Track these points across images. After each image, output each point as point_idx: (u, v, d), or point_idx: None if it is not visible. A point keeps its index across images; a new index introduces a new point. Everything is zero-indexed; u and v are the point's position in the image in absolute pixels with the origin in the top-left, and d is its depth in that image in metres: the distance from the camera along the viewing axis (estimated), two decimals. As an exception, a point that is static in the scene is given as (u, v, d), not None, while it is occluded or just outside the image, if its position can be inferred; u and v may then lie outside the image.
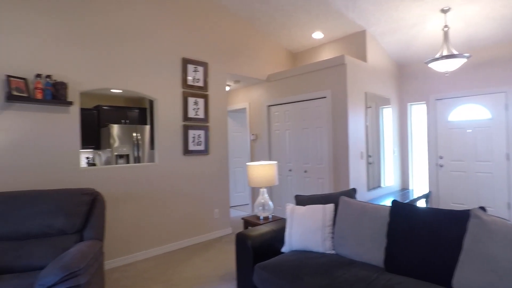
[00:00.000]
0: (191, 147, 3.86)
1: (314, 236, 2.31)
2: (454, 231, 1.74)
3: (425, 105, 5.01)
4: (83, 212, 2.36)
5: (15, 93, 2.54)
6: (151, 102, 5.69)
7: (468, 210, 1.76)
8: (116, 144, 5.28)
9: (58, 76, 2.87)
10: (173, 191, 3.71)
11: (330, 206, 2.42)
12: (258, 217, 2.98)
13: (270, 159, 5.04)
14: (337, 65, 3.98)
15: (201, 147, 3.96)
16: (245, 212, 5.58)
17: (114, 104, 6.09)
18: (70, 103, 2.83)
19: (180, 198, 3.78)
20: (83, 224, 2.36)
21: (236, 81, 5.06)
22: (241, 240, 2.33)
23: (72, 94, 2.94)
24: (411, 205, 2.00)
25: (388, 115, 4.85)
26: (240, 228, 4.53)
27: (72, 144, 2.94)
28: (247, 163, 2.96)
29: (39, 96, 2.68)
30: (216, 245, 3.80)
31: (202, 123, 3.98)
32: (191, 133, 3.85)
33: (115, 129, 5.28)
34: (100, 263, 2.26)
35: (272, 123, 5.03)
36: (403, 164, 5.26)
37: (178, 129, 3.77)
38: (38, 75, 2.69)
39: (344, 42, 4.66)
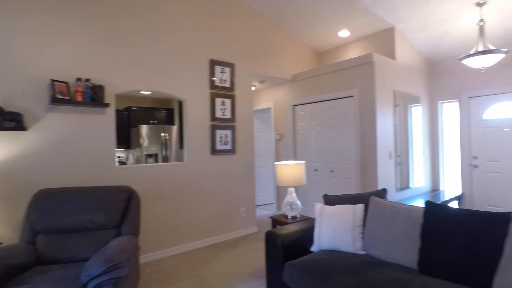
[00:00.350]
0: (219, 146, 3.94)
1: (344, 236, 2.31)
2: (494, 234, 1.68)
3: (457, 103, 4.81)
4: (121, 208, 2.49)
5: (58, 96, 2.72)
6: (179, 103, 5.85)
7: (510, 212, 1.70)
8: (146, 143, 5.48)
9: (96, 80, 3.03)
10: (201, 190, 3.81)
11: (360, 206, 2.40)
12: (285, 216, 3.00)
13: (295, 159, 5.05)
14: (365, 63, 3.92)
15: (228, 147, 4.04)
16: (270, 211, 5.62)
17: (143, 105, 6.32)
18: (107, 105, 2.99)
19: (208, 196, 3.88)
20: (120, 219, 2.49)
21: (261, 81, 5.10)
22: (270, 239, 2.37)
23: (109, 97, 3.10)
24: (446, 206, 1.95)
25: (417, 114, 4.71)
26: (265, 227, 4.57)
27: (108, 143, 3.11)
28: (275, 163, 2.99)
29: (79, 98, 2.85)
30: (243, 243, 3.87)
31: (229, 123, 4.05)
32: (218, 133, 3.94)
33: (144, 129, 5.49)
34: (137, 257, 2.38)
35: (297, 123, 5.02)
36: (433, 164, 5.08)
37: (206, 129, 3.86)
38: (79, 79, 2.87)
39: (372, 39, 4.58)
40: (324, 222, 2.41)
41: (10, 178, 2.60)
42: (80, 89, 2.85)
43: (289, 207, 2.94)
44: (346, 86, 4.20)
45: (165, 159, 5.70)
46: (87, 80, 2.91)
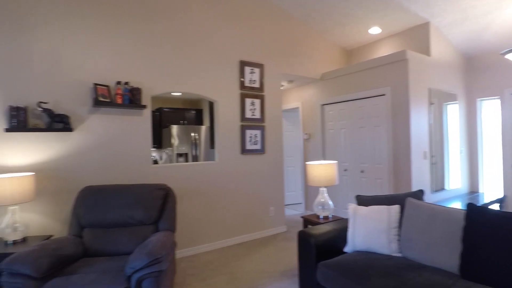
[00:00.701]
0: (248, 146, 4.00)
1: (379, 238, 2.27)
2: (546, 239, 1.59)
3: (498, 100, 4.55)
4: (158, 205, 2.60)
5: (100, 99, 2.89)
6: (210, 104, 5.98)
7: None
8: (176, 143, 5.66)
9: (133, 83, 3.19)
10: (231, 189, 3.88)
11: (396, 208, 2.35)
12: (317, 216, 3.00)
13: (324, 159, 5.00)
14: (398, 60, 3.81)
15: (258, 147, 4.08)
16: (297, 211, 5.60)
17: (174, 106, 6.53)
18: (144, 107, 3.13)
19: (238, 195, 3.94)
20: (158, 216, 2.60)
21: (290, 81, 5.10)
22: (303, 238, 2.38)
23: (145, 98, 3.25)
24: (490, 209, 1.87)
25: (454, 112, 4.50)
26: (294, 226, 4.57)
27: (145, 143, 3.25)
28: (307, 162, 2.99)
29: (119, 101, 3.01)
30: (273, 242, 3.90)
31: (258, 123, 4.10)
32: (248, 133, 4.00)
33: (175, 129, 5.66)
34: (174, 252, 2.48)
35: (326, 122, 4.97)
36: (471, 165, 4.83)
37: (236, 129, 3.93)
38: (118, 82, 3.03)
39: (404, 36, 4.43)
40: (358, 223, 2.39)
41: (58, 175, 2.80)
42: (119, 91, 3.01)
43: (321, 207, 2.93)
44: (377, 85, 4.10)
45: (195, 158, 5.85)
46: (126, 83, 3.06)
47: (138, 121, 3.21)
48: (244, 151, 3.96)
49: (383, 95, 4.04)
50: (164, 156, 6.09)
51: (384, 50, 4.74)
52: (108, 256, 2.37)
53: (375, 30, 4.56)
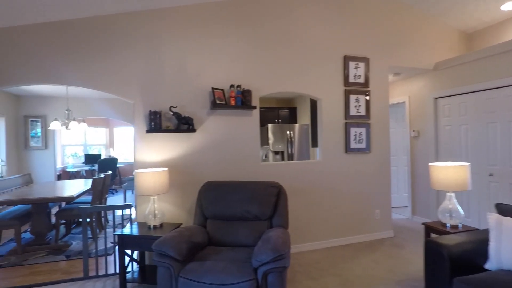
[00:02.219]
0: (353, 145, 3.82)
1: (537, 257, 1.88)
2: None
3: None
4: (272, 202, 2.70)
5: (217, 101, 3.15)
6: (312, 102, 5.95)
7: None
8: (272, 141, 5.82)
9: (244, 85, 3.38)
10: (334, 188, 3.78)
11: (561, 222, 1.91)
12: (443, 224, 2.66)
13: (436, 159, 4.44)
14: (548, 40, 3.09)
15: (363, 145, 3.87)
16: (402, 215, 5.13)
17: (268, 105, 6.74)
18: (254, 107, 3.30)
19: (341, 195, 3.82)
20: (272, 212, 2.70)
21: (396, 74, 4.68)
22: (433, 248, 2.14)
23: (254, 99, 3.41)
24: None
25: None
26: (401, 232, 4.20)
27: (254, 141, 3.42)
28: (430, 163, 2.68)
29: (232, 102, 3.23)
30: (380, 247, 3.65)
31: (363, 120, 3.88)
32: (353, 131, 3.82)
33: (271, 128, 5.82)
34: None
35: (440, 118, 4.40)
36: None
37: (339, 127, 3.81)
38: (232, 86, 3.26)
39: (553, 8, 3.57)
40: (504, 236, 2.02)
41: (184, 170, 3.18)
42: (233, 94, 3.23)
43: (448, 214, 2.59)
44: (515, 71, 3.41)
45: (290, 156, 5.92)
46: (238, 86, 3.27)
47: (248, 121, 3.39)
48: (348, 150, 3.81)
49: (524, 83, 3.34)
50: (263, 153, 6.34)
51: (521, 29, 3.92)
52: (229, 247, 2.57)
53: (509, 6, 3.80)
